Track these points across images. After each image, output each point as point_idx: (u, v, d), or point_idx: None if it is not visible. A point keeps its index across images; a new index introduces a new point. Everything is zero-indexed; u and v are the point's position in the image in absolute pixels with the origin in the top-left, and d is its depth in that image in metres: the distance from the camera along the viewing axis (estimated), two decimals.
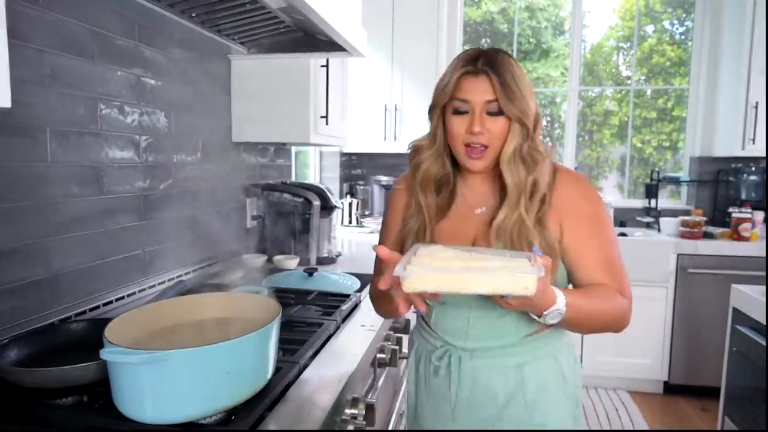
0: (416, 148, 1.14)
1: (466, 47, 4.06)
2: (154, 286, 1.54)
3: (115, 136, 1.39)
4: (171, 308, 0.99)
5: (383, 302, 1.16)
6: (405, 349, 1.61)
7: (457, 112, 1.05)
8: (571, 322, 0.97)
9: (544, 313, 0.93)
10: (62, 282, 1.24)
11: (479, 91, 1.02)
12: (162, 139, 1.59)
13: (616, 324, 1.06)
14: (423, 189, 1.12)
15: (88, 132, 1.30)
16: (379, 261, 1.17)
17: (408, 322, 1.68)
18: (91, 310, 1.30)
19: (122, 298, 1.41)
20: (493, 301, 0.92)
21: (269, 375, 0.93)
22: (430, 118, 1.10)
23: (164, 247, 1.61)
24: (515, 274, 0.80)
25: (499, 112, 1.02)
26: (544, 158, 1.05)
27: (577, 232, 1.06)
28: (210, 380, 0.80)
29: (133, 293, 1.45)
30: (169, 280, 1.61)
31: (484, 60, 1.03)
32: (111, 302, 1.37)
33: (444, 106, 1.07)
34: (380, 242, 1.22)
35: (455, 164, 1.12)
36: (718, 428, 2.08)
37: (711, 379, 2.99)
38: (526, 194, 1.04)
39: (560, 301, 0.92)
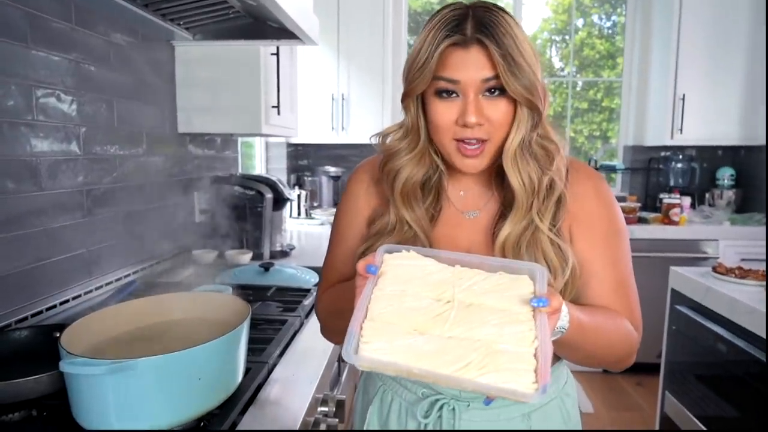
0: (390, 153, 0.85)
1: (410, 37, 4.08)
2: (101, 287, 1.44)
3: (52, 126, 1.28)
4: (130, 311, 0.93)
5: (339, 318, 0.79)
6: None
7: (442, 94, 0.77)
8: (567, 343, 0.73)
9: None
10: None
11: (473, 67, 0.75)
12: (103, 129, 1.49)
13: (620, 357, 0.83)
14: (407, 202, 0.84)
15: (22, 122, 1.19)
16: (331, 268, 0.95)
17: None
18: (33, 315, 1.20)
19: (67, 301, 1.31)
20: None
21: (240, 377, 0.89)
22: (405, 108, 0.83)
23: (110, 245, 1.51)
24: (509, 384, 0.58)
25: (500, 92, 0.76)
26: (559, 150, 0.80)
27: (588, 243, 0.83)
28: (182, 387, 0.76)
29: (79, 296, 1.35)
30: (116, 280, 1.51)
31: (474, 24, 0.75)
32: (55, 306, 1.27)
33: (424, 90, 0.79)
34: (329, 252, 0.97)
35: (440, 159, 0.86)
36: (659, 402, 2.21)
37: (645, 356, 3.14)
38: (539, 198, 0.79)
39: (564, 315, 0.69)
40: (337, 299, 0.88)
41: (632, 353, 0.84)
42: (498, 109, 0.77)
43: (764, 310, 1.58)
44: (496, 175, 0.86)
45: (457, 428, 0.84)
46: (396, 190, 0.84)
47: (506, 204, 0.83)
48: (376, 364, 0.60)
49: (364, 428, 0.95)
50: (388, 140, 0.86)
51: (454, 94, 0.77)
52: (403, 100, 0.83)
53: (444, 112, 0.78)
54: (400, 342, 0.61)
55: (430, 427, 0.85)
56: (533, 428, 0.86)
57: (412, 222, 0.84)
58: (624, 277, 0.85)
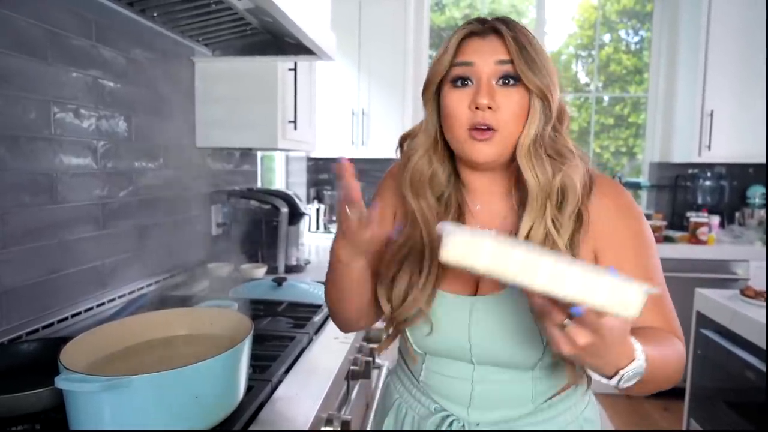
0: (410, 149, 0.86)
1: (431, 52, 4.09)
2: (114, 299, 1.45)
3: (70, 141, 1.31)
4: (133, 327, 0.92)
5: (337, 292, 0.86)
6: (378, 360, 1.57)
7: (457, 81, 0.79)
8: (641, 383, 0.67)
9: (622, 371, 0.62)
10: (12, 298, 1.15)
11: (488, 51, 0.77)
12: (121, 144, 1.51)
13: (675, 379, 0.76)
14: (415, 192, 0.84)
15: (40, 137, 1.21)
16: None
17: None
18: (44, 327, 1.21)
19: (79, 314, 1.32)
20: (549, 343, 0.61)
21: (241, 396, 0.88)
22: (424, 103, 0.84)
23: (125, 258, 1.53)
24: (616, 278, 0.52)
25: (514, 80, 0.77)
26: (574, 155, 0.78)
27: (618, 258, 0.79)
28: (178, 406, 0.75)
29: (91, 308, 1.37)
30: (130, 293, 1.52)
31: (493, 20, 0.80)
32: (66, 318, 1.28)
33: (440, 84, 0.81)
34: None
35: (456, 170, 0.87)
36: (684, 428, 2.12)
37: None
38: (552, 201, 0.77)
39: (640, 355, 0.63)
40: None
41: (682, 371, 0.79)
42: (510, 98, 0.77)
43: None
44: (514, 191, 0.84)
45: None
46: (407, 178, 0.84)
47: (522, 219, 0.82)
48: (469, 245, 0.54)
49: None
50: (409, 135, 0.88)
51: (468, 82, 0.78)
52: (423, 93, 0.84)
53: (458, 99, 0.78)
54: (486, 232, 0.56)
55: None
56: None
57: (420, 217, 0.83)
58: (659, 290, 0.79)
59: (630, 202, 0.83)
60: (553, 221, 0.77)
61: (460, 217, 0.86)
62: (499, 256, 0.54)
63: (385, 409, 0.98)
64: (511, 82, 0.77)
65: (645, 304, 0.73)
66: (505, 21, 0.79)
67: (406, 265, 0.84)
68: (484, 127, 0.76)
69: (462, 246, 0.54)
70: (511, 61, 0.76)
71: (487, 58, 0.77)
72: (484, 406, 0.84)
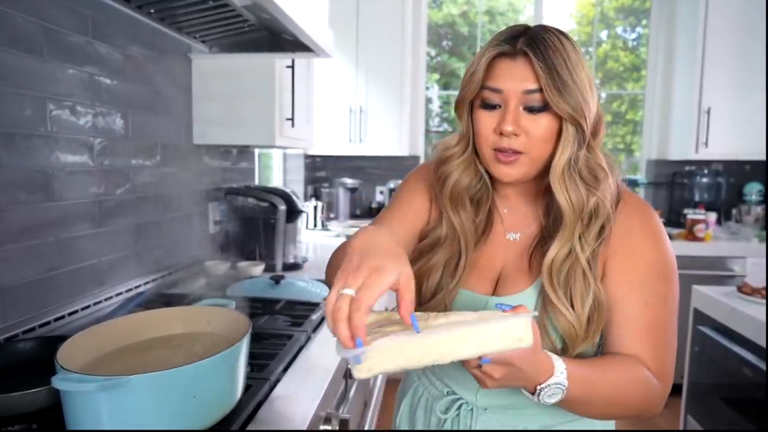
0: (443, 157, 0.89)
1: (429, 49, 4.08)
2: (111, 297, 1.45)
3: (66, 138, 1.30)
4: (131, 325, 0.92)
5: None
6: None
7: (487, 105, 0.80)
8: (576, 401, 0.70)
9: (539, 387, 0.68)
10: (8, 296, 1.14)
11: (517, 77, 0.76)
12: (118, 141, 1.50)
13: (638, 408, 0.77)
14: (455, 205, 0.87)
15: (36, 134, 1.21)
16: None
17: None
18: (41, 326, 1.21)
19: (76, 312, 1.31)
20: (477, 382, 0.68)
21: (239, 395, 0.88)
22: (458, 116, 0.86)
23: (121, 256, 1.52)
24: (501, 322, 0.59)
25: (543, 108, 0.76)
26: (608, 175, 0.79)
27: (622, 280, 0.79)
28: (176, 405, 0.74)
29: (88, 306, 1.36)
30: (126, 291, 1.52)
31: (526, 39, 0.77)
32: (63, 317, 1.27)
33: (473, 99, 0.82)
34: (378, 219, 0.98)
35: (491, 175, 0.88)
36: (681, 426, 2.13)
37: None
38: (583, 222, 0.78)
39: (559, 371, 0.68)
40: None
41: (654, 404, 0.78)
42: (537, 124, 0.77)
43: None
44: (542, 198, 0.87)
45: (473, 428, 0.88)
46: (445, 194, 0.88)
47: (548, 230, 0.84)
48: (377, 358, 0.58)
49: (397, 417, 1.03)
50: (445, 145, 0.90)
51: (497, 107, 0.79)
52: (456, 108, 0.86)
53: (486, 120, 0.80)
54: (385, 339, 0.59)
55: (448, 425, 0.90)
56: None
57: (458, 228, 0.87)
58: (656, 321, 0.79)
59: (656, 227, 0.82)
60: (579, 238, 0.78)
61: (489, 220, 0.90)
62: (401, 355, 0.58)
63: (404, 390, 1.04)
64: (538, 108, 0.77)
65: (633, 332, 0.78)
66: (537, 42, 0.76)
67: (438, 266, 0.88)
68: (509, 150, 0.78)
69: (375, 360, 0.58)
70: (540, 90, 0.75)
71: (515, 85, 0.77)
72: (492, 392, 0.84)
